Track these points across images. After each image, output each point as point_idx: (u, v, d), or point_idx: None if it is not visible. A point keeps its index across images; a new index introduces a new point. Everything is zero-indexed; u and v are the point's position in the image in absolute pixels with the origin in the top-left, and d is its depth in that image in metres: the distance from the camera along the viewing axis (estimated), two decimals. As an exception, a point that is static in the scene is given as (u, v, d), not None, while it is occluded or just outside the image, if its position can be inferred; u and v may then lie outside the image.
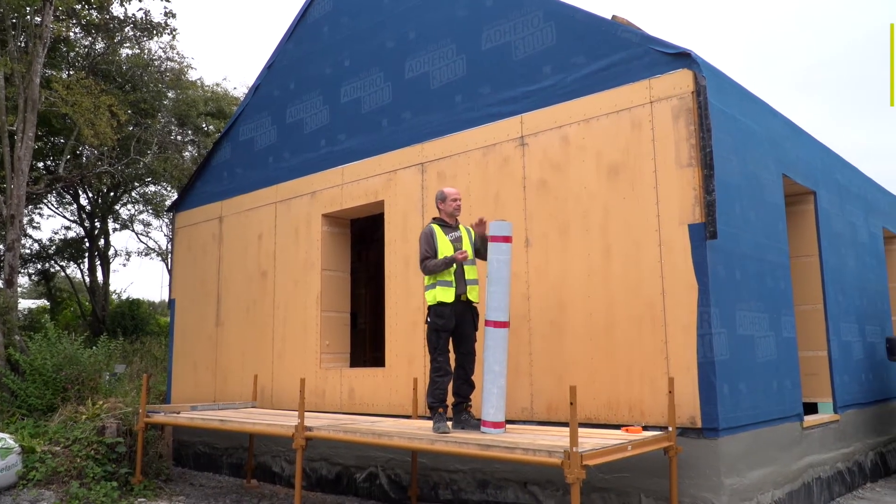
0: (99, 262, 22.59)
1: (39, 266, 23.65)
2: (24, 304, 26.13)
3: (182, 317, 10.89)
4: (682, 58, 5.89)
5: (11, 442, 7.61)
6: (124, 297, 25.79)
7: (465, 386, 5.92)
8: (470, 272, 5.90)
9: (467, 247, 5.96)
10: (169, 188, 22.34)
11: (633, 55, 6.20)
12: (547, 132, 6.73)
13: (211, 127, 21.00)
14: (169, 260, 21.23)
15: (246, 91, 17.13)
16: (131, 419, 8.52)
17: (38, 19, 13.07)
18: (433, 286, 5.85)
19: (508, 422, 5.96)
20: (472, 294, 5.89)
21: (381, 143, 8.25)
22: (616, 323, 6.05)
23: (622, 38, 6.29)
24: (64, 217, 22.98)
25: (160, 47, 19.81)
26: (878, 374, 8.92)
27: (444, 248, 5.86)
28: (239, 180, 10.26)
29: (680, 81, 5.86)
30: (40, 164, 19.18)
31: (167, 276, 22.73)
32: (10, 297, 11.57)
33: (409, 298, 7.63)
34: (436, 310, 5.81)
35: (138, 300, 24.09)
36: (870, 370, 8.70)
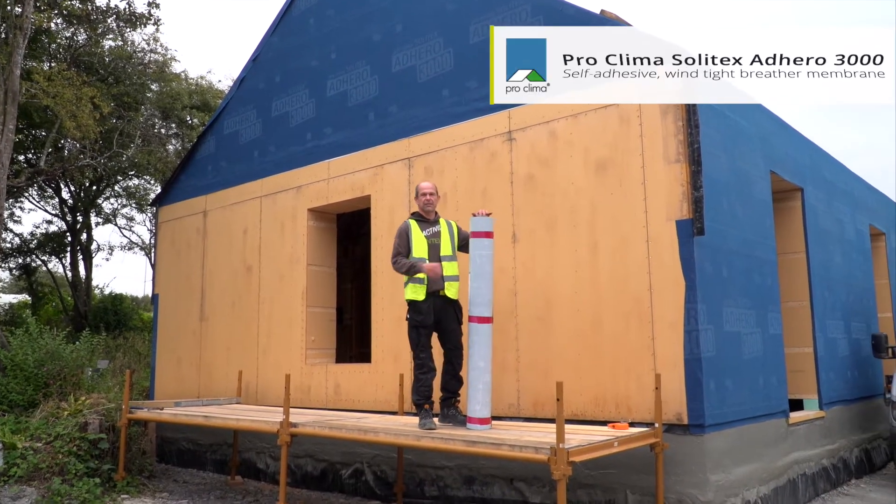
0: (81, 257, 22.35)
1: (20, 260, 23.35)
2: (5, 298, 25.84)
3: (166, 312, 10.78)
4: (671, 53, 5.86)
5: (-9, 439, 7.49)
6: (107, 292, 25.55)
7: (453, 381, 5.88)
8: (449, 268, 5.82)
9: (446, 242, 5.89)
10: (152, 182, 22.13)
11: (621, 50, 6.15)
12: (535, 127, 6.69)
13: (195, 120, 20.80)
14: (152, 255, 21.03)
15: (231, 84, 16.97)
16: (114, 415, 8.43)
17: (19, 9, 12.85)
18: (410, 282, 5.81)
19: (495, 418, 5.92)
20: (451, 291, 5.81)
21: (368, 138, 8.18)
22: (603, 319, 6.03)
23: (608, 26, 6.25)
24: (45, 211, 22.75)
25: (144, 39, 19.50)
26: (863, 371, 8.99)
27: (418, 245, 5.81)
28: (223, 174, 10.15)
29: (668, 77, 5.83)
30: (21, 157, 18.91)
31: (150, 271, 22.54)
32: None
33: (395, 294, 7.57)
34: (414, 305, 5.78)
35: (121, 295, 23.90)
36: (855, 367, 8.77)
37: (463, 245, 5.98)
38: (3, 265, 23.24)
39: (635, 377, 5.79)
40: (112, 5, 16.87)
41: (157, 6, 16.86)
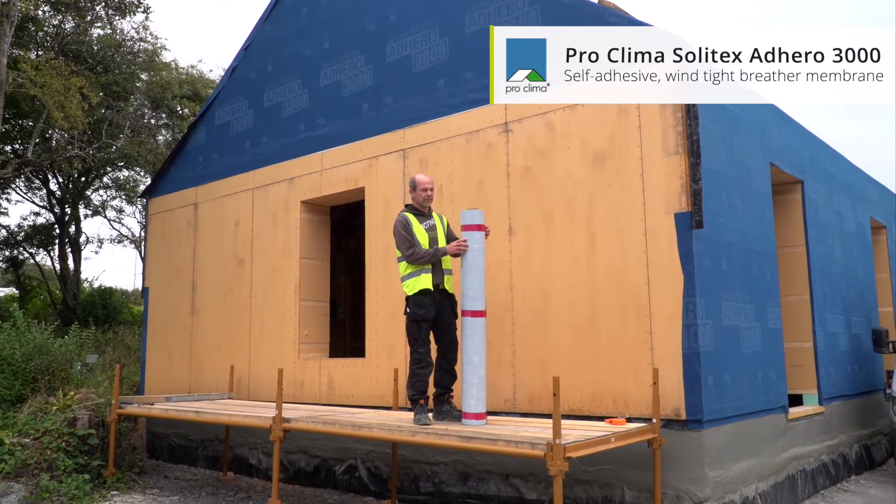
0: (70, 249, 22.14)
1: (7, 253, 23.12)
2: (-7, 291, 25.56)
3: (156, 306, 10.65)
4: (671, 43, 5.76)
5: (-23, 435, 7.37)
6: (96, 285, 25.30)
7: (448, 376, 5.80)
8: (444, 261, 5.80)
9: (441, 235, 5.85)
10: (142, 173, 21.91)
11: (620, 40, 6.06)
12: (531, 118, 6.59)
13: (186, 110, 20.60)
14: (142, 247, 20.84)
15: (222, 73, 16.78)
16: (104, 410, 8.31)
17: (5, -3, 12.64)
18: (412, 275, 5.71)
19: (490, 413, 5.86)
20: (448, 284, 5.81)
21: (362, 129, 8.06)
22: (600, 313, 5.96)
23: (609, 23, 6.15)
24: (33, 203, 22.52)
25: (133, 27, 19.26)
26: (863, 366, 8.95)
27: (421, 238, 5.75)
28: (215, 165, 10.00)
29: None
30: (8, 148, 18.68)
31: (140, 264, 22.32)
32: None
33: (389, 288, 7.47)
34: (416, 300, 5.68)
35: (111, 288, 23.68)
36: (855, 362, 8.73)
37: (449, 241, 5.94)
38: (-10, 258, 23.03)
39: (633, 372, 5.72)
40: (101, -7, 16.60)
41: (147, -6, 16.67)
